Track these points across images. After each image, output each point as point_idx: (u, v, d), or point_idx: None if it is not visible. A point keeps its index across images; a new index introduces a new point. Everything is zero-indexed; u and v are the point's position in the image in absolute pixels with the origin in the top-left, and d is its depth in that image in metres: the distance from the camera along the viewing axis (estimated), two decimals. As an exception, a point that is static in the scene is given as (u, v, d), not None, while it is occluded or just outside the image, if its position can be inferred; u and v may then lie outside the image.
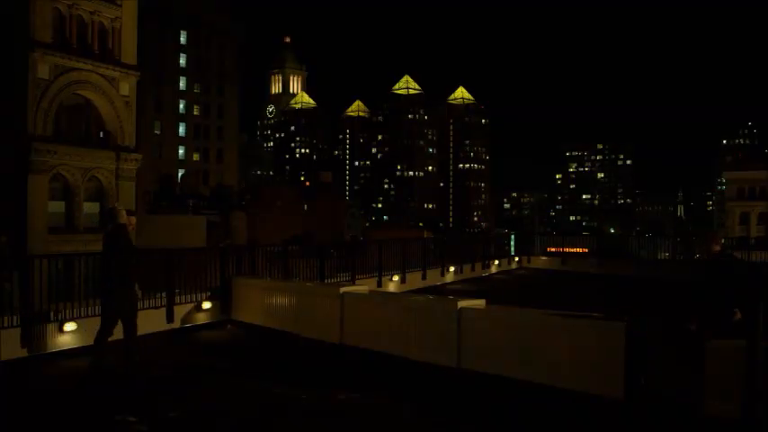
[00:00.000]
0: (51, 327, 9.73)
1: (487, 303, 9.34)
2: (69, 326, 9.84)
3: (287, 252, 15.09)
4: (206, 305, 12.19)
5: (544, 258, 25.63)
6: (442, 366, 8.90)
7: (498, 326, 8.68)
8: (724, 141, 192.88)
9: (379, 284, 16.36)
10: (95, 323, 10.36)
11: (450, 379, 8.66)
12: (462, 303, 9.00)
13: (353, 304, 10.33)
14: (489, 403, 7.79)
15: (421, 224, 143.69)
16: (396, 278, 17.21)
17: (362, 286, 11.72)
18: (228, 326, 12.29)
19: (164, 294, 11.57)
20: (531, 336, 8.33)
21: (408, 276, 17.80)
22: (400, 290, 16.86)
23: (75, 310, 10.18)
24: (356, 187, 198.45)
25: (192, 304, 12.05)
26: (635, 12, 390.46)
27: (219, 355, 10.25)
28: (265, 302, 12.01)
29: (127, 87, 33.48)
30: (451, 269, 20.07)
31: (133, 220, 8.78)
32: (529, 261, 25.36)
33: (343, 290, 10.56)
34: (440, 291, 17.64)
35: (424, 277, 18.57)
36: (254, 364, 9.76)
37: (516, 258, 25.12)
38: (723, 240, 8.04)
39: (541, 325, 8.41)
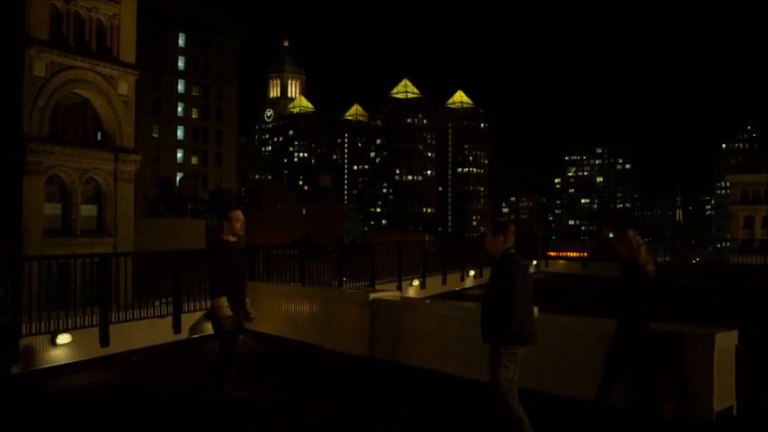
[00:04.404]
0: (42, 339, 8.55)
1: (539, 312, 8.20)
2: (63, 338, 8.66)
3: (305, 255, 14.00)
4: (216, 313, 11.01)
5: (562, 262, 24.64)
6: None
7: (560, 338, 7.52)
8: (723, 145, 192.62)
9: (399, 289, 15.21)
10: (92, 335, 9.27)
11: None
12: (513, 311, 7.85)
13: (384, 312, 9.13)
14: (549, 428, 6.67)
15: (420, 228, 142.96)
16: (416, 283, 16.12)
17: (394, 292, 10.59)
18: (242, 336, 11.07)
19: (170, 300, 10.41)
20: (601, 350, 7.20)
21: (428, 281, 16.71)
22: (420, 295, 15.72)
23: (69, 320, 9.02)
24: (354, 191, 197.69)
25: (201, 312, 10.86)
26: (635, 18, 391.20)
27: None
28: (283, 310, 10.84)
29: (125, 86, 32.51)
30: (471, 273, 18.98)
31: (240, 216, 7.08)
32: (547, 265, 24.31)
33: (372, 296, 9.37)
34: (462, 296, 16.49)
35: (444, 282, 17.50)
36: (273, 380, 8.56)
37: (534, 262, 24.06)
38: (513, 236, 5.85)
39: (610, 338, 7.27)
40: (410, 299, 11.68)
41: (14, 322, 8.30)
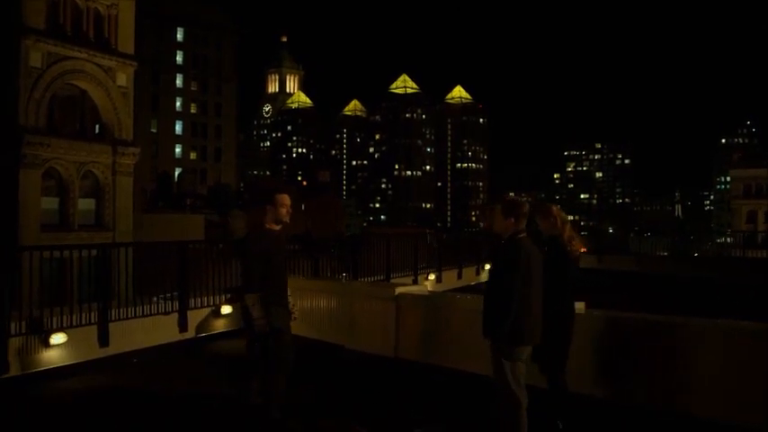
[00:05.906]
0: (34, 339, 7.71)
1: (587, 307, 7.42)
2: (57, 337, 7.81)
3: (308, 250, 13.16)
4: (225, 309, 10.13)
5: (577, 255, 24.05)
6: (534, 387, 6.94)
7: (614, 336, 6.76)
8: (723, 140, 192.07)
9: (415, 283, 14.45)
10: (90, 334, 8.46)
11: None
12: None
13: (411, 308, 8.31)
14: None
15: (416, 224, 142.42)
16: (432, 277, 15.39)
17: (420, 286, 9.78)
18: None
19: (175, 295, 9.58)
20: (655, 348, 6.45)
21: (443, 275, 15.97)
22: (438, 289, 14.99)
23: (65, 318, 8.19)
24: (353, 187, 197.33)
25: (209, 308, 10.03)
26: (634, 14, 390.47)
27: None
28: (297, 306, 9.93)
29: (124, 77, 31.73)
30: (487, 267, 18.25)
31: (287, 200, 6.14)
32: (561, 259, 23.67)
33: (398, 290, 8.53)
34: (478, 290, 15.69)
35: (459, 276, 16.81)
36: (291, 385, 7.70)
37: (549, 256, 23.45)
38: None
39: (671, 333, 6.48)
40: (440, 293, 10.89)
41: (2, 320, 7.46)
